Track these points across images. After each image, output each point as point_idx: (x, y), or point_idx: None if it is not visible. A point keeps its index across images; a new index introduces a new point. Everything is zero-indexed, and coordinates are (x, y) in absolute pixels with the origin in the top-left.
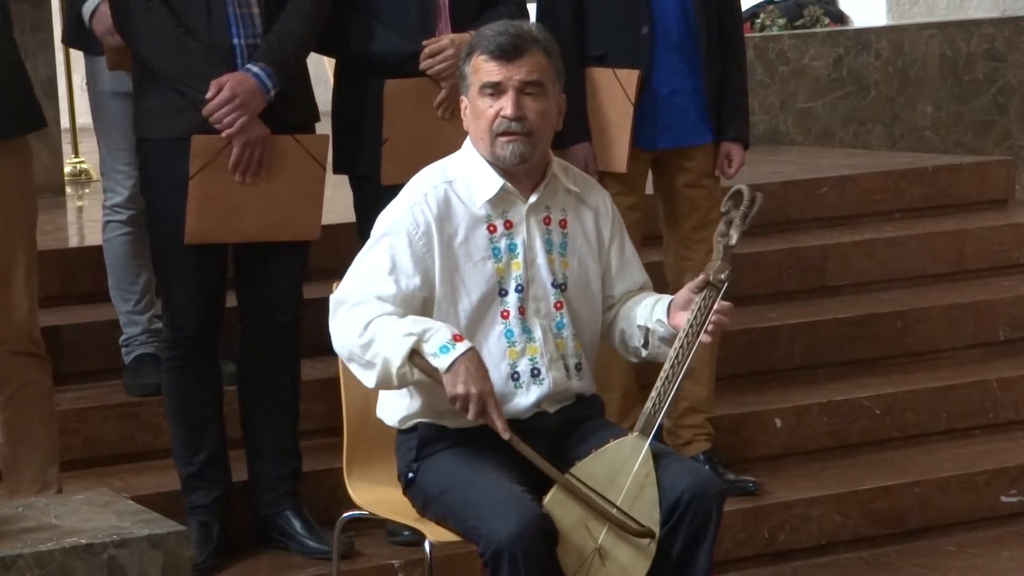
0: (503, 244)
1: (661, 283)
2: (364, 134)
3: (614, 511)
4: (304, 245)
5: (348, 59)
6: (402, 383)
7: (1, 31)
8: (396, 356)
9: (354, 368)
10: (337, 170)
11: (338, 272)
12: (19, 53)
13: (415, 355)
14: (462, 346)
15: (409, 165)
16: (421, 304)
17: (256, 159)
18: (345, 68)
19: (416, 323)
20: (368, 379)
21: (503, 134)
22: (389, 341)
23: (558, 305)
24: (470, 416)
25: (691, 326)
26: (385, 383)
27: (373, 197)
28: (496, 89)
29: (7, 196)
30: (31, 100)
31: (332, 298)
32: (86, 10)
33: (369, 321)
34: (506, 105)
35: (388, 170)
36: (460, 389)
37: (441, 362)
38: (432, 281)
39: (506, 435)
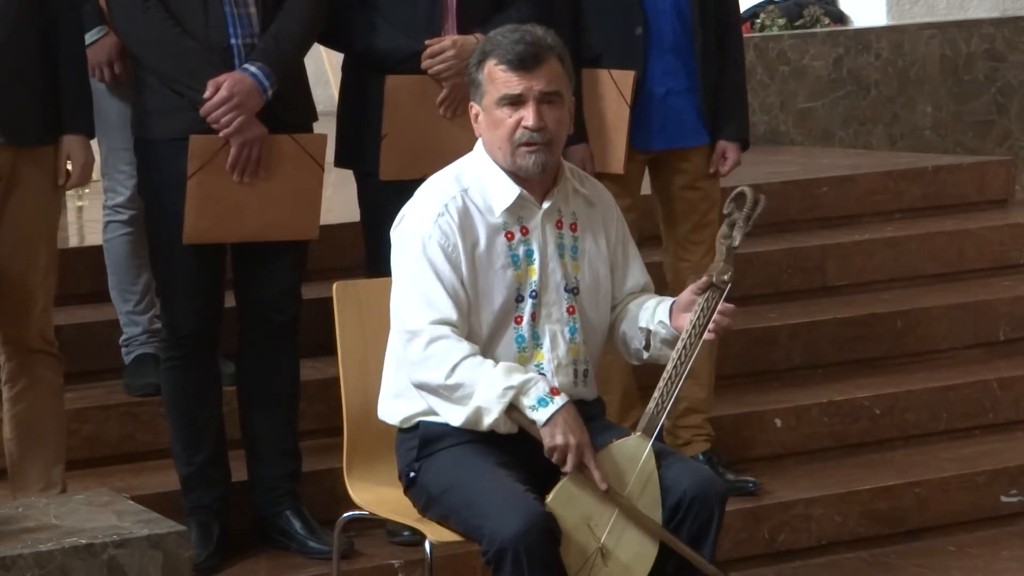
0: (521, 251)
1: (660, 283)
2: (367, 130)
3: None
4: (302, 245)
5: (353, 54)
6: (490, 429)
7: (31, 45)
8: (493, 408)
9: (434, 401)
10: (339, 163)
11: (337, 272)
12: (50, 60)
13: (512, 409)
14: (560, 400)
15: (408, 161)
16: (468, 307)
17: (254, 159)
18: (351, 63)
19: (510, 374)
20: (453, 417)
21: (525, 144)
22: (485, 392)
23: (570, 310)
24: (567, 468)
25: (693, 327)
26: (472, 426)
27: (376, 193)
28: (516, 100)
29: (33, 199)
30: (57, 108)
31: (401, 328)
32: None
33: (456, 364)
34: (528, 116)
35: (387, 165)
36: (559, 440)
37: (540, 415)
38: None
39: (603, 486)
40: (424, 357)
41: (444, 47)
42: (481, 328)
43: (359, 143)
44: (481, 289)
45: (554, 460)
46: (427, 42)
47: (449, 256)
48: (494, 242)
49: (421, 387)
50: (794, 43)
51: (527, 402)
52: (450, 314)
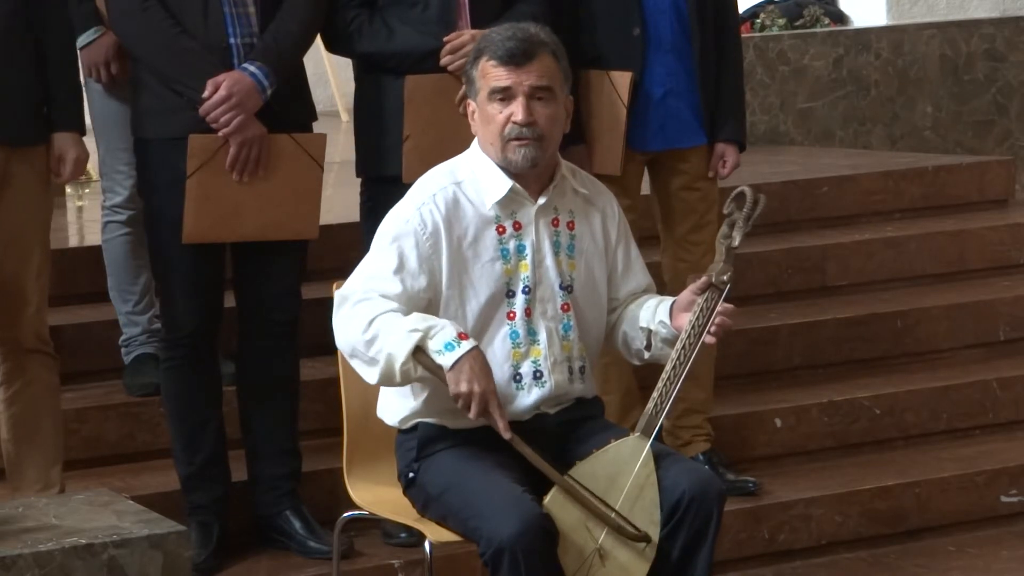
0: (512, 245)
1: (659, 283)
2: (382, 135)
3: (612, 515)
4: (302, 244)
5: (365, 58)
6: (405, 380)
7: (21, 45)
8: (400, 352)
9: (356, 364)
10: (359, 172)
11: (337, 272)
12: (42, 60)
13: (419, 352)
14: (467, 344)
15: (431, 162)
16: (426, 305)
17: (253, 158)
18: (364, 69)
19: (421, 320)
20: (370, 376)
21: (515, 139)
22: (393, 337)
23: (565, 307)
24: (472, 415)
25: (693, 327)
26: (388, 379)
27: (387, 199)
28: (506, 94)
29: (25, 199)
30: (47, 107)
31: (336, 294)
32: (80, 42)
33: (373, 318)
34: (517, 111)
35: (410, 167)
36: (464, 387)
37: (445, 360)
38: (437, 282)
39: (507, 435)
40: (347, 318)
41: (464, 41)
42: (467, 320)
43: (374, 148)
44: (467, 281)
45: (459, 406)
46: (445, 38)
47: (421, 244)
48: (483, 234)
49: (345, 351)
50: (794, 43)
51: (433, 346)
52: (389, 290)
